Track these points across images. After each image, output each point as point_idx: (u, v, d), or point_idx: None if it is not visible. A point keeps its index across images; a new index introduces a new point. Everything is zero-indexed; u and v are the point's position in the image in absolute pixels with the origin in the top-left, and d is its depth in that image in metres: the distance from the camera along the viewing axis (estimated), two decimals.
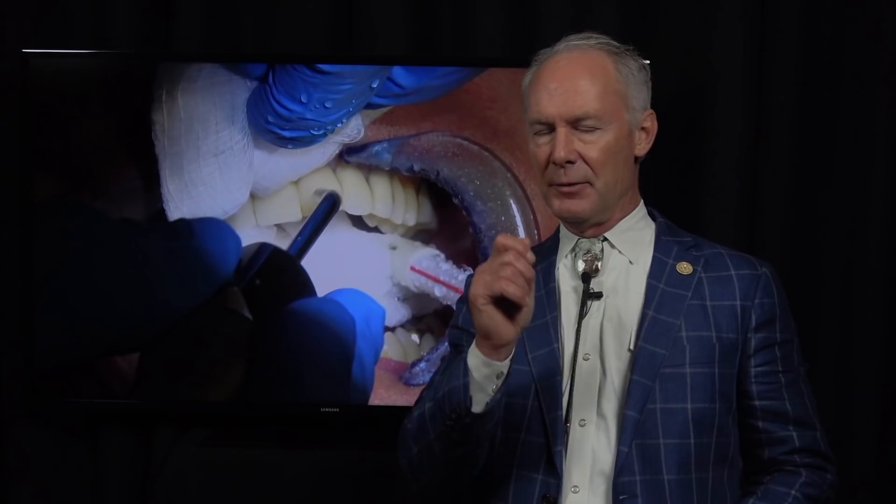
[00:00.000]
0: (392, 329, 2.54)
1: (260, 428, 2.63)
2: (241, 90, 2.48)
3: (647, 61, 2.41)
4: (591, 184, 1.65)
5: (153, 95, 2.48)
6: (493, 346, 1.50)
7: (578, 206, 1.66)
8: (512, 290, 1.45)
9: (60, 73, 2.49)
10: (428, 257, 2.51)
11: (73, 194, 2.50)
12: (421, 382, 2.50)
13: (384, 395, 2.52)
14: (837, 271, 2.56)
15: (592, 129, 1.64)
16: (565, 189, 1.65)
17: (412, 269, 2.51)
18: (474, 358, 1.52)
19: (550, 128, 1.65)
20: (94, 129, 2.49)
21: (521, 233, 2.47)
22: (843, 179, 2.54)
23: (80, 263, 2.50)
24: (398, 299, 2.53)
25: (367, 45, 2.59)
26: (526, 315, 1.49)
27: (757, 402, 1.67)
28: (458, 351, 1.79)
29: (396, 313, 2.53)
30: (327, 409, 2.51)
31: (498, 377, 1.52)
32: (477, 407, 1.53)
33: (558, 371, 1.65)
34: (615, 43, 1.71)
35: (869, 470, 2.55)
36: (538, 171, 1.69)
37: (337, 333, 2.50)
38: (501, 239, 1.48)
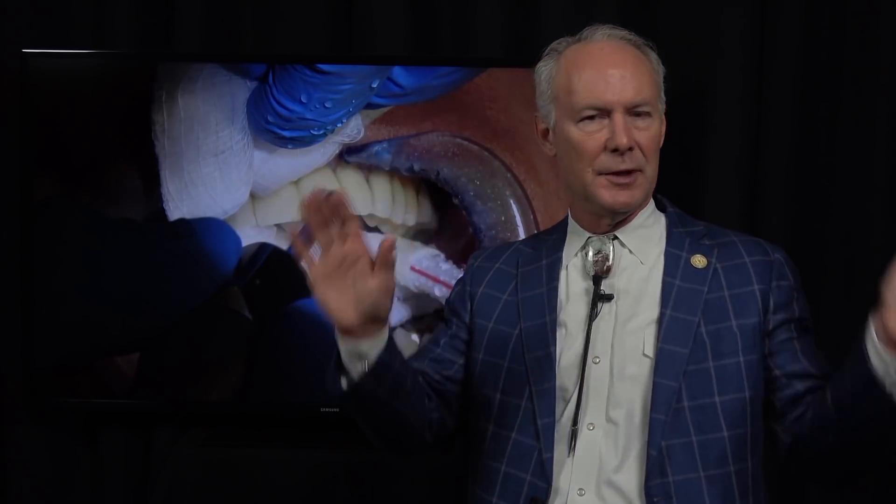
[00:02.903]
0: (392, 329, 2.53)
1: (260, 428, 2.63)
2: (241, 90, 2.48)
3: None
4: (642, 171, 1.63)
5: (153, 95, 2.48)
6: (341, 329, 1.49)
7: (632, 196, 1.63)
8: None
9: (60, 73, 2.49)
10: (428, 257, 2.51)
11: (73, 194, 2.50)
12: None
13: None
14: (838, 271, 2.56)
15: (644, 117, 1.62)
16: (620, 180, 1.62)
17: (412, 269, 2.51)
18: (338, 339, 1.52)
19: (603, 114, 1.61)
20: (94, 130, 2.49)
21: (521, 233, 2.46)
22: (843, 179, 2.54)
23: (80, 263, 2.50)
24: (398, 299, 2.53)
25: (367, 45, 2.59)
26: (368, 298, 1.45)
27: (777, 372, 1.63)
28: (447, 327, 1.79)
29: (396, 313, 2.53)
30: (327, 409, 2.51)
31: (360, 358, 1.52)
32: (345, 384, 1.55)
33: (553, 376, 1.62)
34: (638, 36, 1.69)
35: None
36: (583, 160, 1.62)
37: None
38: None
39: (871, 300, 2.58)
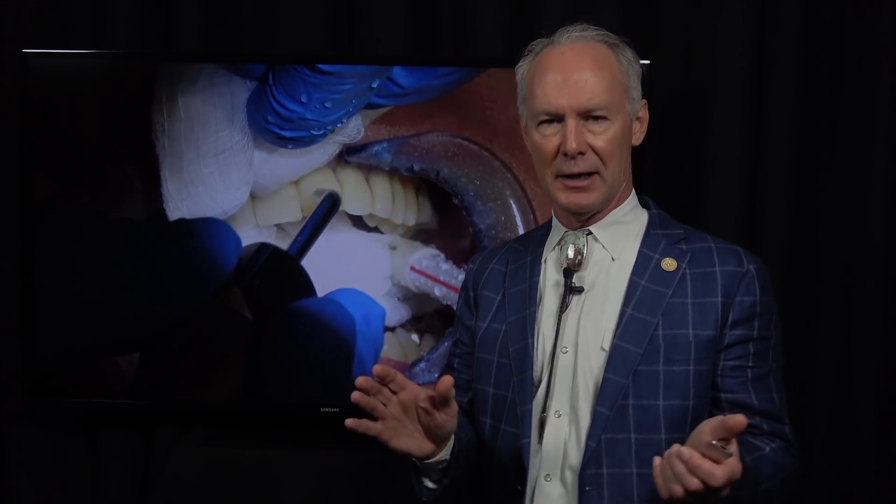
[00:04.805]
0: (392, 329, 2.54)
1: (260, 428, 2.63)
2: (241, 90, 2.48)
3: (647, 61, 2.42)
4: (599, 174, 1.67)
5: (153, 95, 2.48)
6: (421, 457, 1.62)
7: (588, 198, 1.68)
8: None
9: (60, 73, 2.49)
10: (428, 257, 2.51)
11: (73, 194, 2.50)
12: (421, 383, 2.50)
13: None
14: (837, 270, 2.56)
15: (601, 121, 1.66)
16: (574, 183, 1.67)
17: (412, 269, 2.51)
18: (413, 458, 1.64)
19: (558, 118, 1.66)
20: (94, 130, 2.49)
21: (521, 233, 2.46)
22: (843, 179, 2.54)
23: (80, 263, 2.50)
24: (398, 299, 2.53)
25: (367, 45, 2.59)
26: (439, 429, 1.58)
27: (723, 395, 1.67)
28: (455, 345, 1.88)
29: (396, 313, 2.53)
30: (327, 409, 2.51)
31: (439, 463, 1.64)
32: (430, 484, 1.69)
33: (531, 366, 1.68)
34: (612, 34, 1.73)
35: (869, 470, 2.55)
36: (543, 162, 1.69)
37: (337, 333, 2.50)
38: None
39: (870, 299, 2.60)
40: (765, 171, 2.55)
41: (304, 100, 2.46)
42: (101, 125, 2.50)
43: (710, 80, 2.54)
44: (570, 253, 1.70)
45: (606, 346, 1.66)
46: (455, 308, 1.94)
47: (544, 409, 1.66)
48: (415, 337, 2.54)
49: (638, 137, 1.75)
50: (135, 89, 2.48)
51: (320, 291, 2.52)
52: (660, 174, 2.52)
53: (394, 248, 2.52)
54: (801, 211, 2.56)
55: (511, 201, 2.49)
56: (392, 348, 2.53)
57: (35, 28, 2.62)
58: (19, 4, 2.62)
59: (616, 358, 1.64)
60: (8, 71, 2.57)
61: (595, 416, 1.63)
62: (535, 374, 1.69)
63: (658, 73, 2.46)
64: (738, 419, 1.36)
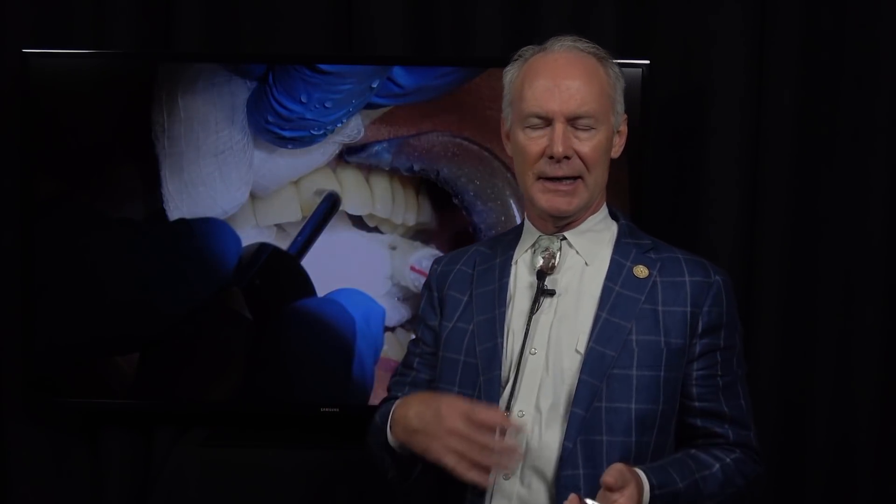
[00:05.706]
0: (392, 329, 2.54)
1: (260, 428, 2.63)
2: (240, 90, 2.48)
3: (646, 61, 2.41)
4: (582, 179, 1.70)
5: (153, 96, 2.48)
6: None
7: (569, 203, 1.71)
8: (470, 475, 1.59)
9: (60, 73, 2.49)
10: (428, 257, 2.51)
11: (73, 194, 2.50)
12: None
13: (384, 395, 2.51)
14: (837, 272, 2.56)
15: (588, 128, 1.69)
16: (557, 186, 1.70)
17: (412, 269, 2.51)
18: (394, 440, 1.72)
19: (546, 122, 1.69)
20: (94, 130, 2.49)
21: None
22: (843, 179, 2.54)
23: (80, 263, 2.50)
24: (398, 299, 2.53)
25: (367, 45, 2.59)
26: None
27: (696, 404, 1.72)
28: (416, 343, 1.90)
29: (396, 313, 2.53)
30: (327, 409, 2.51)
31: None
32: (402, 472, 1.77)
33: (499, 366, 1.71)
34: (602, 49, 1.75)
35: (870, 470, 2.55)
36: (525, 164, 1.72)
37: (337, 333, 2.50)
38: (484, 417, 1.57)
39: (870, 300, 2.60)
40: (764, 171, 2.55)
41: (304, 100, 2.46)
42: (102, 125, 2.50)
43: (708, 80, 2.53)
44: (544, 256, 1.73)
45: (581, 349, 1.69)
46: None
47: (507, 408, 1.68)
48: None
49: (617, 150, 1.78)
50: (135, 89, 2.48)
51: (320, 291, 2.52)
52: (658, 175, 2.52)
53: (394, 248, 2.52)
54: (800, 211, 2.56)
55: (511, 201, 2.49)
56: (392, 348, 2.53)
57: (35, 28, 2.62)
58: (19, 4, 2.62)
59: (591, 361, 1.68)
60: (8, 71, 2.57)
61: (571, 417, 1.66)
62: (503, 373, 1.71)
63: (657, 74, 2.45)
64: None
